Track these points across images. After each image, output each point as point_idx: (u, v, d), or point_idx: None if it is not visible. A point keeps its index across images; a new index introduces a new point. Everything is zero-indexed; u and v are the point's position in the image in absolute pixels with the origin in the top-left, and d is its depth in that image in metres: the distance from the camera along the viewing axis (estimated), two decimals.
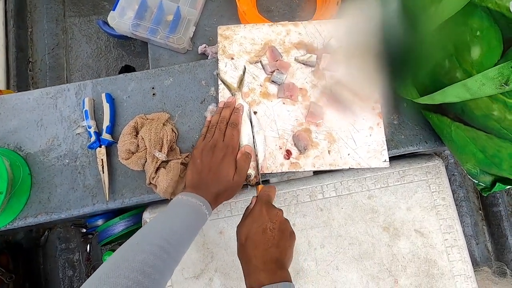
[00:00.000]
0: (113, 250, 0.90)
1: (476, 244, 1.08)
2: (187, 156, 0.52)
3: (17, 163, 0.52)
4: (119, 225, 0.89)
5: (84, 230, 1.05)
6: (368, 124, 0.55)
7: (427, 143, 0.54)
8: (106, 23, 1.14)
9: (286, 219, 0.45)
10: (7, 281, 0.92)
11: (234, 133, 0.50)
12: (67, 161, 0.54)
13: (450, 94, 0.37)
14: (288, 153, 0.53)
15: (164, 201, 0.58)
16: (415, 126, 0.55)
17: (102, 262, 1.00)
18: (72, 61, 1.25)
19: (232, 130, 0.50)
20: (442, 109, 0.46)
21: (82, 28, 1.27)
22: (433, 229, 0.61)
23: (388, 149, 0.54)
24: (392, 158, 0.58)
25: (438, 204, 0.63)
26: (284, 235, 0.42)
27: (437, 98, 0.40)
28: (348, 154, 0.54)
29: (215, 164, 0.47)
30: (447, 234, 0.62)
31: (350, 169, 0.55)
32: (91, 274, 1.06)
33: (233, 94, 0.54)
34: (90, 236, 1.06)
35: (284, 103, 0.55)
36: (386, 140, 0.54)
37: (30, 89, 1.21)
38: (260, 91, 0.55)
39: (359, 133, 0.55)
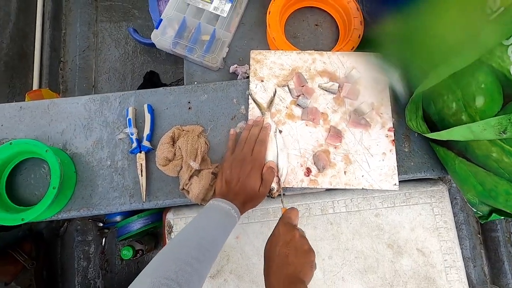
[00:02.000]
0: (130, 246, 0.96)
1: (473, 266, 1.13)
2: (216, 167, 0.58)
3: (65, 161, 0.58)
4: (137, 223, 0.95)
5: (101, 225, 1.11)
6: (382, 149, 0.61)
7: (434, 170, 0.60)
8: (135, 30, 1.22)
9: (304, 237, 0.49)
10: (29, 267, 0.98)
11: (262, 149, 0.55)
12: (109, 163, 0.60)
13: (456, 134, 0.42)
14: (308, 171, 0.59)
15: (185, 205, 0.64)
16: (424, 154, 0.61)
17: (116, 256, 1.05)
18: (100, 63, 1.33)
19: (260, 146, 0.55)
20: (448, 144, 0.52)
21: (112, 33, 1.35)
22: (434, 249, 0.66)
23: (398, 174, 0.60)
24: (400, 181, 0.64)
25: (440, 226, 0.68)
26: (299, 252, 0.45)
27: (444, 135, 0.46)
28: (362, 176, 0.60)
29: (243, 176, 0.52)
30: (446, 255, 0.66)
31: (362, 189, 0.61)
32: (104, 267, 1.12)
33: (262, 113, 0.60)
34: (106, 230, 1.12)
35: (307, 125, 0.61)
36: (397, 166, 0.60)
37: (60, 87, 1.29)
38: (286, 113, 0.62)
39: (373, 157, 0.60)
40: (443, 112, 0.48)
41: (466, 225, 1.15)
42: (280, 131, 0.60)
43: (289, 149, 0.59)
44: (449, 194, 0.70)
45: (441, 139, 0.48)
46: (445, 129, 0.45)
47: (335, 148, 0.60)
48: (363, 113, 0.61)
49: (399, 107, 0.62)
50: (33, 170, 0.60)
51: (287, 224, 0.49)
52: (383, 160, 0.60)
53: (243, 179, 0.52)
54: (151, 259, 0.40)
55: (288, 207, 0.53)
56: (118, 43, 1.35)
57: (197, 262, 0.40)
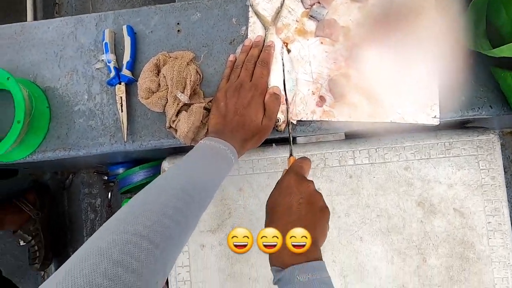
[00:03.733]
0: None
1: None
2: (210, 101, 0.47)
3: (35, 95, 0.50)
4: (138, 175, 0.90)
5: (106, 178, 1.08)
6: (419, 72, 0.47)
7: (491, 108, 0.46)
8: None
9: (318, 192, 0.40)
10: (34, 217, 0.97)
11: (264, 72, 0.44)
12: (86, 97, 0.51)
13: None
14: (322, 100, 0.47)
15: (183, 152, 0.55)
16: (480, 87, 0.46)
17: None
18: None
19: (262, 68, 0.44)
20: None
21: None
22: (476, 209, 0.55)
23: (442, 112, 0.46)
24: (438, 128, 0.51)
25: (485, 183, 0.55)
26: (313, 209, 0.37)
27: None
28: (392, 106, 0.47)
29: (242, 107, 0.42)
30: (491, 217, 0.55)
31: (391, 123, 0.48)
32: None
33: (266, 29, 0.47)
34: (111, 183, 1.09)
35: (322, 42, 0.48)
36: (441, 100, 0.46)
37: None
38: (296, 28, 0.48)
39: (407, 82, 0.47)
40: None
41: None
42: (289, 51, 0.47)
43: (298, 73, 0.47)
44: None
45: None
46: None
47: (358, 71, 0.47)
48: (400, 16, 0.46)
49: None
50: (6, 104, 0.52)
51: (297, 174, 0.40)
52: (420, 86, 0.46)
53: (241, 110, 0.42)
54: None
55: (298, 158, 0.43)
56: None
57: (178, 213, 0.31)
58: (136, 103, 0.49)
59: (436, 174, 0.56)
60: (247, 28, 0.50)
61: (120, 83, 0.48)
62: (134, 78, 0.49)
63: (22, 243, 0.97)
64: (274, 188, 0.40)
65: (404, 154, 0.57)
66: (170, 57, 0.48)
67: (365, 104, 0.47)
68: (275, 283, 0.34)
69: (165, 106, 0.46)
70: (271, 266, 0.35)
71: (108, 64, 0.49)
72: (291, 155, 0.44)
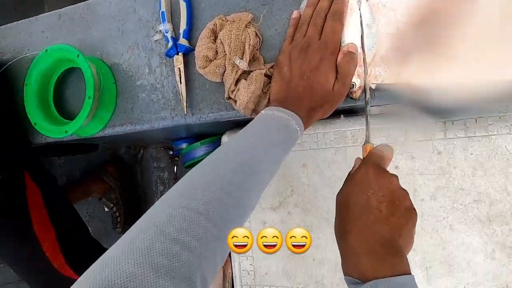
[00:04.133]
0: None
1: None
2: (271, 67, 0.42)
3: (102, 71, 0.51)
4: (199, 150, 0.92)
5: (171, 152, 1.14)
6: None
7: None
8: None
9: (404, 189, 0.33)
10: (113, 187, 1.09)
11: (336, 27, 0.37)
12: (146, 70, 0.51)
13: None
14: None
15: (243, 126, 0.52)
16: None
17: None
18: None
19: (334, 22, 0.36)
20: None
21: None
22: None
23: None
24: None
25: None
26: (397, 210, 0.31)
27: None
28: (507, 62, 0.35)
29: (308, 70, 0.36)
30: None
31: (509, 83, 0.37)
32: None
33: None
34: (176, 158, 1.15)
35: None
36: None
37: None
38: None
39: None
40: None
41: None
42: None
43: (379, 25, 0.38)
44: None
45: None
46: None
47: (466, 13, 0.36)
48: None
49: None
50: (77, 82, 0.55)
51: (377, 165, 0.33)
52: None
53: (308, 74, 0.36)
54: None
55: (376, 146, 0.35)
56: None
57: (236, 189, 0.29)
58: (194, 73, 0.47)
59: None
60: None
61: (178, 54, 0.46)
62: (191, 47, 0.46)
63: (106, 209, 1.10)
64: (346, 181, 0.34)
65: None
66: (227, 21, 0.44)
67: (473, 59, 0.36)
68: None
69: (223, 74, 0.43)
70: (345, 276, 0.30)
71: (165, 34, 0.47)
72: (367, 141, 0.37)
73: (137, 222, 0.26)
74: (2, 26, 0.61)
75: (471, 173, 0.46)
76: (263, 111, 0.36)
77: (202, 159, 0.98)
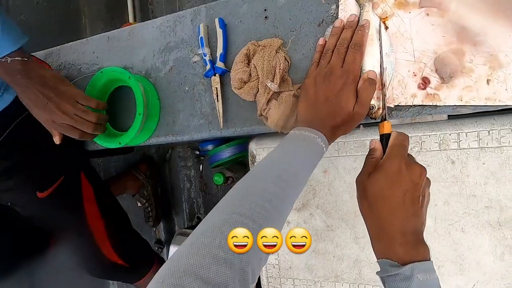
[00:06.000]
0: (221, 173, 1.02)
1: None
2: (299, 88, 0.48)
3: (148, 88, 0.58)
4: (226, 152, 0.99)
5: (197, 153, 1.22)
6: None
7: None
8: None
9: (428, 179, 0.38)
10: (146, 184, 1.18)
11: (357, 57, 0.42)
12: (186, 88, 0.57)
13: None
14: (425, 82, 0.42)
15: (269, 134, 0.58)
16: None
17: (212, 180, 1.15)
18: None
19: (355, 53, 0.41)
20: None
21: None
22: None
23: None
24: None
25: None
26: (427, 202, 0.37)
27: None
28: None
29: (332, 94, 0.41)
30: None
31: None
32: (203, 189, 1.21)
33: (360, 7, 0.44)
34: (202, 158, 1.22)
35: (428, 14, 0.42)
36: None
37: (150, 16, 1.32)
38: (395, 0, 0.43)
39: None
40: None
41: None
42: (386, 28, 0.43)
43: (397, 53, 0.43)
44: None
45: None
46: None
47: (474, 45, 0.40)
48: None
49: None
50: (127, 98, 0.63)
51: (406, 158, 0.38)
52: None
53: (331, 98, 0.41)
54: None
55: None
56: None
57: (275, 198, 0.35)
58: (229, 92, 0.53)
59: None
60: (337, 7, 0.47)
61: (215, 75, 0.52)
62: (227, 69, 0.53)
63: (139, 204, 1.20)
64: (377, 172, 0.38)
65: None
66: (259, 46, 0.50)
67: (483, 86, 0.40)
68: (382, 276, 0.35)
69: (256, 95, 0.49)
70: (379, 258, 0.36)
71: (204, 57, 0.53)
72: (385, 118, 0.41)
73: (199, 225, 0.33)
74: (57, 47, 0.70)
75: (484, 181, 0.50)
76: (292, 131, 0.42)
77: (229, 160, 1.04)
